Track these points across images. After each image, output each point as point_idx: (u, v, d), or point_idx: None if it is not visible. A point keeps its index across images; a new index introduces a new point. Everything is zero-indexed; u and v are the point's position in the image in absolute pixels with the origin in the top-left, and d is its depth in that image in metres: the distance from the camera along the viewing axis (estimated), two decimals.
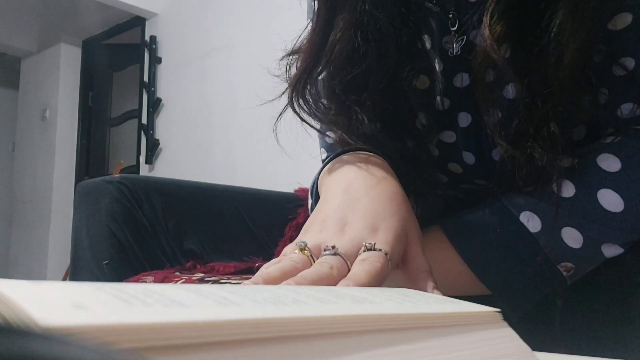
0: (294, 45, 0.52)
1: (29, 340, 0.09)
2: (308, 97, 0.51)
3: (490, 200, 0.48)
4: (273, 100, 0.52)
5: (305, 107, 0.51)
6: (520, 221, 0.45)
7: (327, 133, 0.59)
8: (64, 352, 0.09)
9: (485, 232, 0.47)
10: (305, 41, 0.50)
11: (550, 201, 0.44)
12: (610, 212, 0.43)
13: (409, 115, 0.53)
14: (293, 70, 0.51)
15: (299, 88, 0.50)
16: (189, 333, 0.14)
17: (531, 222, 0.45)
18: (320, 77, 0.50)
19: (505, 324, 0.26)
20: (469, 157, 0.53)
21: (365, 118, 0.49)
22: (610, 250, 0.44)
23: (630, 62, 0.43)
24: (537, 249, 0.45)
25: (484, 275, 0.47)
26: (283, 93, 0.52)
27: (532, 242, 0.45)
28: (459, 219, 0.49)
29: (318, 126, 0.54)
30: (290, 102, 0.51)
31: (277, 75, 0.52)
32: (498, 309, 0.26)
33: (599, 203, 0.43)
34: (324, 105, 0.51)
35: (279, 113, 0.53)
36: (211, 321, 0.15)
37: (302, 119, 0.53)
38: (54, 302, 0.14)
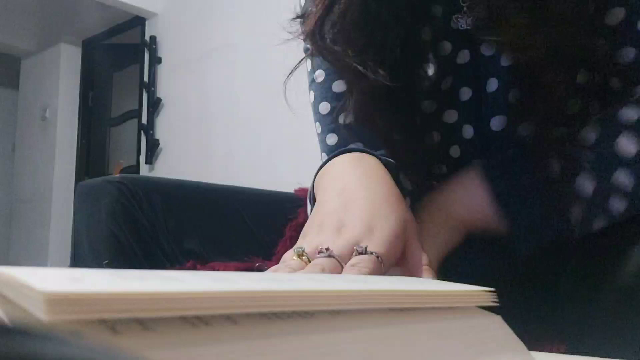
0: (306, 6, 0.52)
1: (29, 340, 0.09)
2: (326, 35, 0.49)
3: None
4: (290, 39, 0.52)
5: (321, 44, 0.50)
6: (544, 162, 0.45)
7: (328, 135, 0.59)
8: (64, 352, 0.09)
9: (516, 173, 0.47)
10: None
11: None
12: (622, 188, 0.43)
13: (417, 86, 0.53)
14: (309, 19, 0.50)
15: (317, 28, 0.49)
16: (186, 304, 0.15)
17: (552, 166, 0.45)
18: (335, 34, 0.49)
19: (497, 316, 0.27)
20: (467, 131, 0.54)
21: (379, 69, 0.48)
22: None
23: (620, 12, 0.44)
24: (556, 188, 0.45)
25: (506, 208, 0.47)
26: (303, 36, 0.51)
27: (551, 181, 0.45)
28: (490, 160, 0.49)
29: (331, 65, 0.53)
30: (311, 36, 0.50)
31: (290, 32, 0.52)
32: (491, 289, 0.26)
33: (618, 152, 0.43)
34: (338, 49, 0.49)
35: (291, 69, 0.54)
36: (208, 292, 0.15)
37: (320, 54, 0.52)
38: (52, 276, 0.14)
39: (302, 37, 0.52)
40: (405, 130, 0.52)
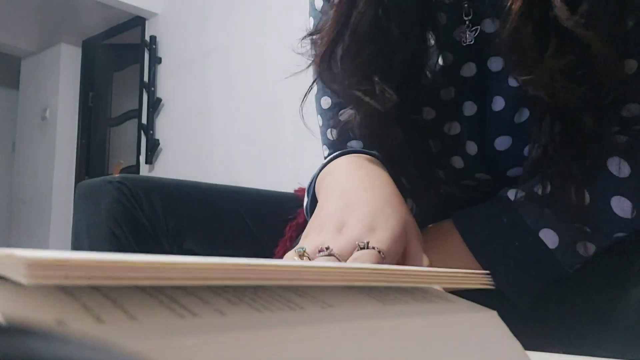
0: (317, 26, 0.52)
1: (29, 340, 0.09)
2: (335, 65, 0.50)
3: (507, 206, 0.48)
4: (300, 72, 0.53)
5: (331, 75, 0.50)
6: (539, 237, 0.45)
7: (329, 130, 0.60)
8: (64, 352, 0.09)
9: (504, 245, 0.47)
10: (328, 19, 0.49)
11: (565, 216, 0.45)
12: (623, 218, 0.43)
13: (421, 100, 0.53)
14: (317, 47, 0.51)
15: (326, 58, 0.49)
16: (168, 274, 0.15)
17: (550, 239, 0.45)
18: (344, 51, 0.49)
19: (493, 311, 0.27)
20: (471, 147, 0.53)
21: (388, 90, 0.48)
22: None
23: (633, 64, 0.44)
24: (554, 262, 0.46)
25: (503, 286, 0.47)
26: (310, 65, 0.52)
27: (549, 256, 0.45)
28: (475, 225, 0.49)
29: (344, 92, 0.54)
30: (320, 72, 0.50)
31: (301, 54, 0.52)
32: (487, 271, 0.26)
33: (613, 211, 0.44)
34: (349, 76, 0.50)
35: (305, 92, 0.55)
36: (189, 263, 0.16)
37: (331, 89, 0.53)
38: (34, 251, 0.15)
39: (311, 61, 0.52)
40: (407, 139, 0.52)
